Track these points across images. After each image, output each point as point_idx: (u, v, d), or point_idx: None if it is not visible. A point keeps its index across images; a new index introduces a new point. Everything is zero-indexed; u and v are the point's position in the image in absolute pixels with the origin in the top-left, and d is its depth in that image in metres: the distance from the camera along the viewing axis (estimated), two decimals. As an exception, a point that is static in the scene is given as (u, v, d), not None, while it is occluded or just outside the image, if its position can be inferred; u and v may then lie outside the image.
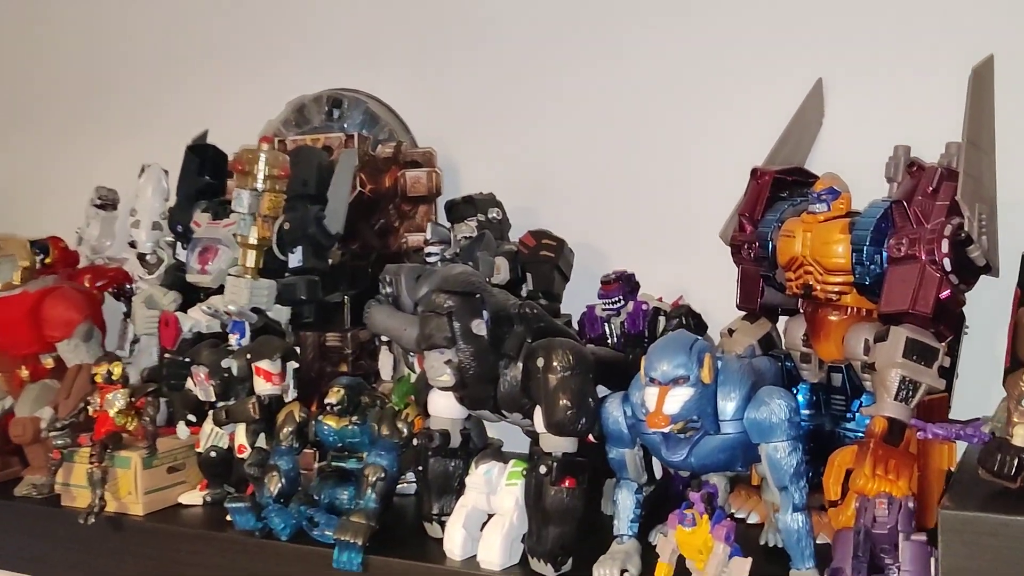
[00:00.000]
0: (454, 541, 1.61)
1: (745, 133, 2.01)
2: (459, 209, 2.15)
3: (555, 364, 1.51)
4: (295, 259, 2.18)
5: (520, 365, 1.57)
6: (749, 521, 1.73)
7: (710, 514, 1.43)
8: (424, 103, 2.48)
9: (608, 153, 2.25)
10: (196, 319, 2.15)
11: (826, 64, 1.98)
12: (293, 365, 2.00)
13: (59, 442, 1.94)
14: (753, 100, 2.06)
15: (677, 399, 1.39)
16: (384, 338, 2.05)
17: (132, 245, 2.38)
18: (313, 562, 1.71)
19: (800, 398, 1.75)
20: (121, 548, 1.91)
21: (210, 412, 1.94)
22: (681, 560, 1.46)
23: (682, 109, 2.15)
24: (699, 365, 1.41)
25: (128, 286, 2.49)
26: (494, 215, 2.16)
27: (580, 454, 1.55)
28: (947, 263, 1.54)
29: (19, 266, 2.25)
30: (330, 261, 2.27)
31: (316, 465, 1.96)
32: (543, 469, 1.50)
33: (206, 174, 2.38)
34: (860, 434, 1.66)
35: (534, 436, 1.62)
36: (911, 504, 1.37)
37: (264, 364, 1.90)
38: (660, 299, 2.02)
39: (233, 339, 1.98)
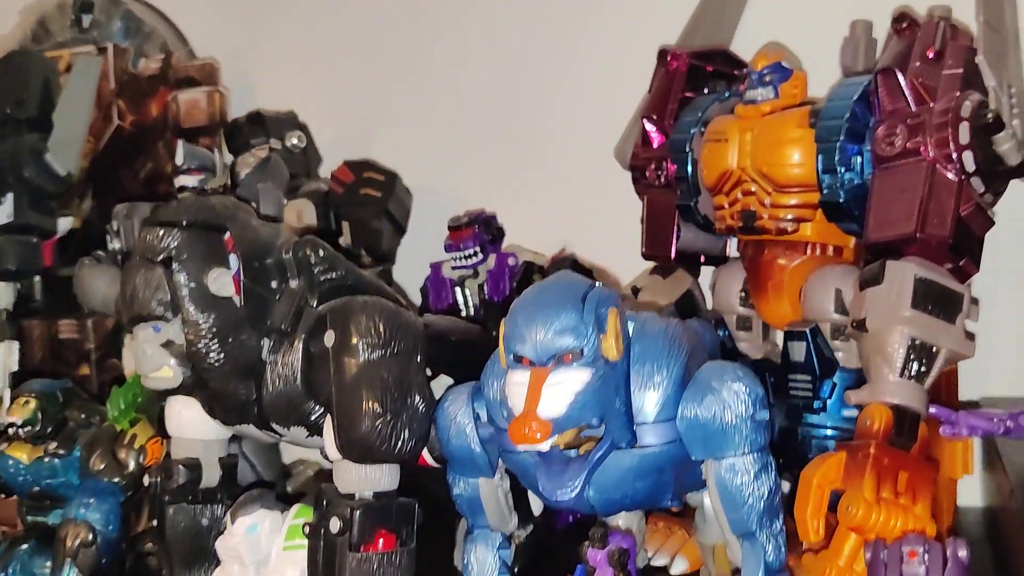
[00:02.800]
0: (203, 644, 0.97)
1: (645, 9, 1.56)
2: (243, 132, 1.60)
3: (355, 341, 0.91)
4: (3, 213, 1.55)
5: (299, 345, 0.93)
6: (674, 572, 1.16)
7: (623, 585, 0.83)
8: (208, 3, 1.93)
9: (459, 54, 1.75)
10: None
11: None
12: (11, 358, 1.43)
13: None
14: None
15: (564, 388, 0.81)
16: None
17: None
18: None
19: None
20: None
21: None
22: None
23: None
24: (599, 329, 0.81)
25: None
26: (294, 142, 1.56)
27: (404, 490, 0.92)
28: (968, 159, 1.04)
29: None
30: (69, 219, 1.61)
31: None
32: (335, 525, 0.88)
33: None
34: (832, 432, 1.15)
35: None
36: (962, 552, 0.80)
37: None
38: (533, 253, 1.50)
39: None
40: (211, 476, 1.09)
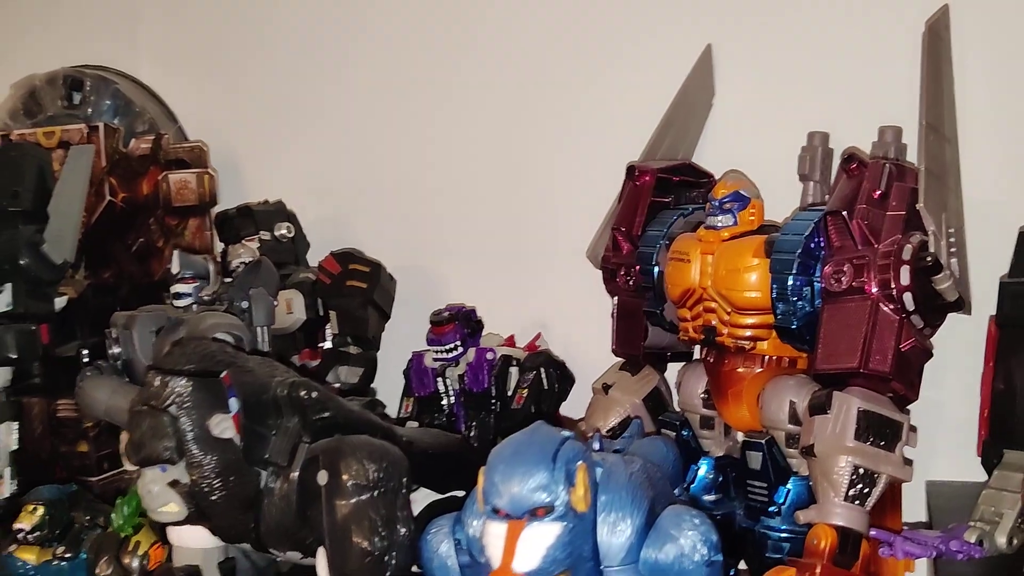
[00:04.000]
0: None
1: (615, 119, 1.64)
2: (233, 224, 1.64)
3: (346, 481, 0.99)
4: (2, 302, 1.57)
5: (295, 478, 1.02)
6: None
7: None
8: (195, 82, 1.97)
9: (441, 148, 1.80)
10: None
11: (716, 27, 1.58)
12: (11, 437, 1.47)
13: None
14: (624, 76, 1.64)
15: (537, 542, 0.89)
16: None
17: None
18: None
19: (702, 472, 1.33)
20: None
21: None
22: None
23: (534, 88, 1.72)
24: (568, 483, 0.90)
25: None
26: (283, 232, 1.62)
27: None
28: (908, 300, 1.12)
29: None
30: (65, 296, 1.67)
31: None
32: (329, 656, 0.96)
33: None
34: (786, 535, 1.23)
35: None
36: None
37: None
38: (510, 339, 1.58)
39: None
40: (210, 582, 1.17)
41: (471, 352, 1.50)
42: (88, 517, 1.26)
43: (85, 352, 1.67)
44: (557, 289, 1.67)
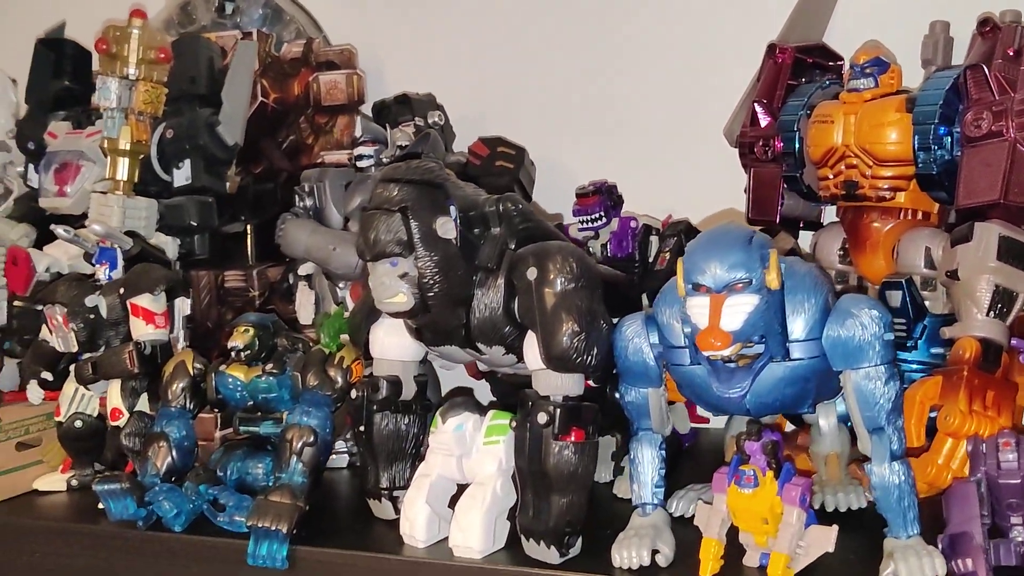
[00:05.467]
0: (416, 523, 1.19)
1: (748, 6, 1.75)
2: (392, 111, 1.77)
3: (553, 276, 1.12)
4: (182, 176, 1.75)
5: (501, 280, 1.16)
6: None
7: (775, 470, 1.05)
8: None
9: (572, 41, 1.92)
10: (55, 256, 1.68)
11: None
12: (184, 305, 1.55)
13: None
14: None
15: (738, 310, 1.02)
16: (303, 272, 1.61)
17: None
18: (220, 559, 1.27)
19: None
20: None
21: (72, 367, 1.48)
22: (730, 533, 1.08)
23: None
24: (763, 265, 1.02)
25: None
26: (435, 120, 1.76)
27: (585, 398, 1.14)
28: (1044, 140, 1.21)
29: None
30: (227, 185, 1.81)
31: (218, 434, 1.51)
32: (542, 418, 1.10)
33: (64, 76, 1.90)
34: (921, 366, 1.34)
35: (517, 382, 1.22)
36: (1044, 443, 1.02)
37: (143, 300, 1.44)
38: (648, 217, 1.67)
39: (101, 271, 1.51)
40: (408, 390, 1.28)
41: (614, 222, 1.60)
42: (288, 343, 1.40)
43: (249, 228, 1.83)
44: (689, 171, 1.78)
